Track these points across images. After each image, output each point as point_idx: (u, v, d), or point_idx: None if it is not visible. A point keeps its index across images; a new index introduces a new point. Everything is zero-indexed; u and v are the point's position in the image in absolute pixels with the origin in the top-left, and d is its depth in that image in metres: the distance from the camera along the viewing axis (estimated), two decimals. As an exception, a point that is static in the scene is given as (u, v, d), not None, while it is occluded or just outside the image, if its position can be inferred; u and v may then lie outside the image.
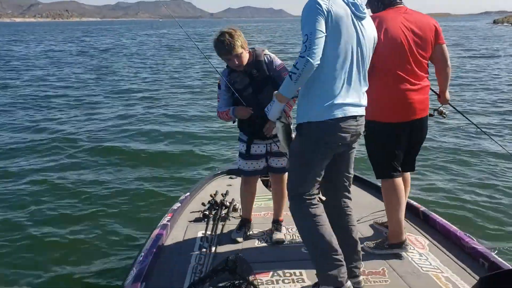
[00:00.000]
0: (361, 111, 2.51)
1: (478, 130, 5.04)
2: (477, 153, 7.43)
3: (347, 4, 2.39)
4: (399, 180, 3.10)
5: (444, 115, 3.43)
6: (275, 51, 3.07)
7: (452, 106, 3.57)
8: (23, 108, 11.80)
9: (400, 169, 3.10)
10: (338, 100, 2.39)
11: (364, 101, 2.53)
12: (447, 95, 3.25)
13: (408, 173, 3.33)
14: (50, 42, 43.86)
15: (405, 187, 3.20)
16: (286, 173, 3.31)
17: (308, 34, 2.27)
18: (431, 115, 3.21)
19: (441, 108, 3.38)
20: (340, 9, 2.35)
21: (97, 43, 42.04)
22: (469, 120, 4.09)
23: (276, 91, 2.50)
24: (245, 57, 3.12)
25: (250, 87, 3.14)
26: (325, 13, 2.30)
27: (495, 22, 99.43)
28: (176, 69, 21.10)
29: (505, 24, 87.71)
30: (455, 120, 9.16)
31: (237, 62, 3.07)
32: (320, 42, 2.28)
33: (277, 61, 3.18)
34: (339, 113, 2.38)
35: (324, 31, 2.30)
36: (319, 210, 2.54)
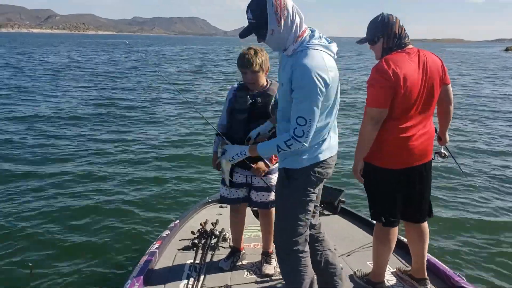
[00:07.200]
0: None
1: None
2: (475, 188, 7.24)
3: (333, 57, 2.39)
4: (390, 229, 3.00)
5: (446, 157, 3.24)
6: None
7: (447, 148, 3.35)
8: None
9: (396, 218, 2.99)
10: (327, 144, 2.50)
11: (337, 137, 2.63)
12: (447, 136, 3.17)
13: (424, 224, 3.08)
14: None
15: (420, 237, 3.06)
16: (272, 208, 3.31)
17: (307, 119, 2.24)
18: (432, 159, 3.04)
19: (442, 150, 3.22)
20: (334, 71, 2.33)
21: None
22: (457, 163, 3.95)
23: (252, 145, 2.57)
24: (261, 78, 3.12)
25: (246, 113, 3.12)
26: (327, 86, 2.26)
27: (507, 49, 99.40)
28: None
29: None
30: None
31: (251, 79, 3.09)
32: (315, 125, 2.30)
33: None
34: (327, 154, 2.51)
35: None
36: (309, 260, 2.62)
